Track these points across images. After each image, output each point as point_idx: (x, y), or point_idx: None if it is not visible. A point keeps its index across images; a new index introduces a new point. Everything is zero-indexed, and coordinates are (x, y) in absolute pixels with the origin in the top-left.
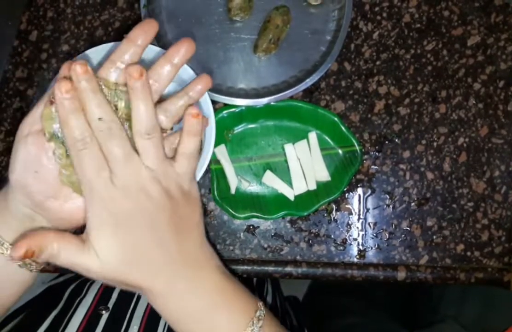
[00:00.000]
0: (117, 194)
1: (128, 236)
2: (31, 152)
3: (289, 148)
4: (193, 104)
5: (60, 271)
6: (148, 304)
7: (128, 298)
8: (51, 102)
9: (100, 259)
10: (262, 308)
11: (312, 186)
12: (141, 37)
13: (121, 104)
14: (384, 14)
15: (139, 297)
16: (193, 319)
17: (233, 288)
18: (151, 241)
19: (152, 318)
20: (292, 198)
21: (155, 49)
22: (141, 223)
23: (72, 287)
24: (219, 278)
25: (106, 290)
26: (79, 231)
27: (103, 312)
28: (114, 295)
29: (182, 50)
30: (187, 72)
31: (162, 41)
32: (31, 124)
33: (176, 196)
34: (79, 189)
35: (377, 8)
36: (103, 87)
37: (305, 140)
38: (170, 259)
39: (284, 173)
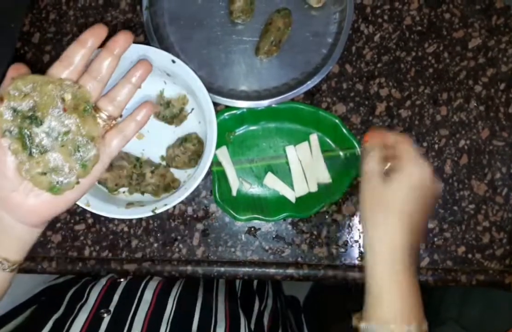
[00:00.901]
0: None
1: None
2: None
3: (290, 150)
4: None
5: (64, 272)
6: (149, 306)
7: (129, 300)
8: (1, 100)
9: None
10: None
11: (313, 188)
12: (90, 40)
13: (68, 96)
14: (385, 17)
15: (140, 300)
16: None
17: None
18: None
19: (154, 320)
20: (293, 200)
21: (141, 48)
22: None
23: (72, 290)
24: None
25: (107, 293)
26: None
27: (105, 315)
28: (116, 298)
29: (120, 41)
30: (188, 73)
31: (164, 43)
32: None
33: None
34: (40, 183)
35: (378, 11)
36: (49, 84)
37: (306, 143)
38: None
39: (285, 174)
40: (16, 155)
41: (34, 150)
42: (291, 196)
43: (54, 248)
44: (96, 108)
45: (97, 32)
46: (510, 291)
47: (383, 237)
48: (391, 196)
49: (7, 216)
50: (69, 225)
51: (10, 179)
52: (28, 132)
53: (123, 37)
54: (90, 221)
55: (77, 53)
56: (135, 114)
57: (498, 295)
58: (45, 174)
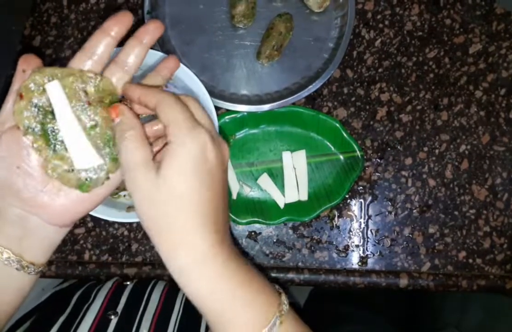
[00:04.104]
0: None
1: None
2: (8, 149)
3: (286, 155)
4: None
5: (64, 276)
6: (157, 307)
7: (137, 302)
8: (21, 96)
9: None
10: (286, 302)
11: (304, 197)
12: (115, 28)
13: (91, 89)
14: (386, 22)
15: (148, 300)
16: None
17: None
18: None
19: (162, 320)
20: (282, 205)
21: (156, 54)
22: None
23: (79, 293)
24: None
25: (114, 295)
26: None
27: (112, 317)
28: (123, 300)
29: (150, 29)
30: (190, 77)
31: (165, 47)
32: (2, 124)
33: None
34: (68, 181)
35: (379, 16)
36: (69, 76)
37: (303, 151)
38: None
39: (284, 179)
40: (40, 153)
41: (58, 146)
42: (280, 200)
43: (54, 252)
44: (124, 99)
45: (122, 20)
46: (511, 297)
47: (184, 247)
48: (168, 189)
49: (35, 217)
50: None
51: (36, 179)
52: (51, 127)
53: (153, 26)
54: (90, 224)
55: (100, 43)
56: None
57: (499, 300)
58: (72, 170)
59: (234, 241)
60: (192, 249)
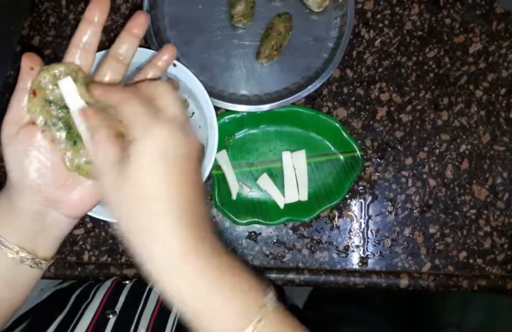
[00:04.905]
0: None
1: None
2: (27, 147)
3: (286, 156)
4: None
5: (63, 277)
6: (156, 305)
7: (135, 301)
8: (35, 94)
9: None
10: (272, 299)
11: (304, 197)
12: (96, 15)
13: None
14: (386, 22)
15: (146, 300)
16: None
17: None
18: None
19: (160, 320)
20: (282, 206)
21: (147, 52)
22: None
23: (78, 292)
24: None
25: (113, 294)
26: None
27: (110, 316)
28: (122, 299)
29: (139, 21)
30: (190, 77)
31: None
32: (17, 121)
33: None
34: (87, 173)
35: (379, 16)
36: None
37: (303, 151)
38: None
39: (283, 179)
40: (59, 147)
41: (76, 139)
42: (280, 201)
43: None
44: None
45: (99, 5)
46: None
47: (159, 248)
48: (133, 190)
49: (54, 211)
50: None
51: (56, 174)
52: (66, 121)
53: (140, 17)
54: (89, 225)
55: (86, 33)
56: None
57: (500, 300)
58: (91, 162)
59: (233, 242)
60: (167, 249)
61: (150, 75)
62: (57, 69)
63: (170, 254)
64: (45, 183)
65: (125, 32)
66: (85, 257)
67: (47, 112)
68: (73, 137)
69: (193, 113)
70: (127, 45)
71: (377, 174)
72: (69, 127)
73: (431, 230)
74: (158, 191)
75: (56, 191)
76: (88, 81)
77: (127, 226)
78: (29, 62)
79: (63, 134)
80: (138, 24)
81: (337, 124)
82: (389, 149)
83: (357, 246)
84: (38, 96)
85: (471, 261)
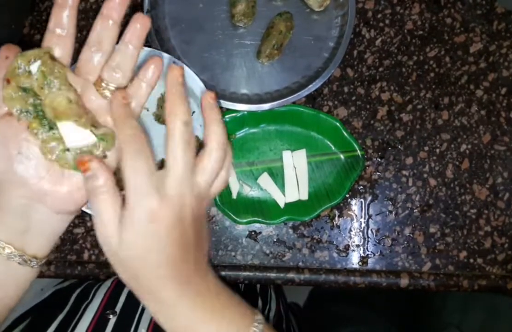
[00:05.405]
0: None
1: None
2: (5, 137)
3: (286, 155)
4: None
5: (63, 276)
6: None
7: (136, 301)
8: (8, 81)
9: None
10: (260, 317)
11: (304, 196)
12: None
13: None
14: (387, 21)
15: None
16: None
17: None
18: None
19: None
20: (282, 205)
21: (147, 50)
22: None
23: (78, 291)
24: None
25: (113, 294)
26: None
27: (111, 316)
28: (122, 299)
29: (114, 4)
30: (191, 76)
31: (165, 46)
32: None
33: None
34: (65, 162)
35: (379, 15)
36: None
37: (303, 150)
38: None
39: (284, 178)
40: (36, 135)
41: (52, 127)
42: (281, 200)
43: (53, 251)
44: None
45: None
46: None
47: (152, 299)
48: (126, 250)
49: (40, 206)
50: (68, 228)
51: (38, 164)
52: (42, 109)
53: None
54: (89, 224)
55: (62, 17)
56: (142, 75)
57: (500, 300)
58: (68, 149)
59: (233, 241)
60: (159, 301)
61: (127, 52)
62: (31, 55)
63: (163, 305)
64: (27, 174)
65: (100, 18)
66: (85, 255)
67: (21, 99)
68: (50, 125)
69: (193, 112)
70: (105, 32)
71: (377, 173)
72: (45, 116)
73: (432, 230)
74: (147, 255)
75: (40, 182)
76: (56, 65)
77: (124, 275)
78: (5, 52)
79: (40, 122)
80: (114, 7)
81: (337, 124)
82: (390, 148)
83: (358, 246)
84: (11, 83)
85: (471, 260)
